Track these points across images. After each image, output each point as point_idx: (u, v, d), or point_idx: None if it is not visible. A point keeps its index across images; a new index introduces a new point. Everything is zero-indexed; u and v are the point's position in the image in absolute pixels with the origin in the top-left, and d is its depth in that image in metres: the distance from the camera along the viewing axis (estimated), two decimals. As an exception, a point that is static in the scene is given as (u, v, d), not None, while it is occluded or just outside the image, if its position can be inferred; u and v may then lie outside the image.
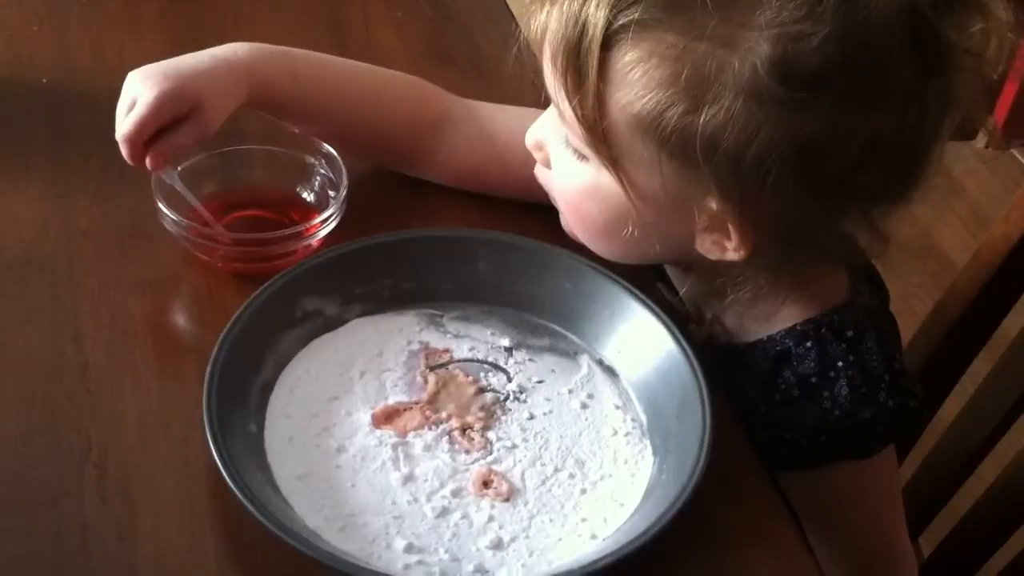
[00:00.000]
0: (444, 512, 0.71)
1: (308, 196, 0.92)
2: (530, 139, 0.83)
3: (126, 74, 0.84)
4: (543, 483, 0.74)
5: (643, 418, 0.78)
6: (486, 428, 0.77)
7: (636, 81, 0.70)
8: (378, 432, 0.75)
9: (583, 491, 0.74)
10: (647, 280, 0.87)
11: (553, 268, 0.84)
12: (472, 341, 0.82)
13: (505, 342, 0.82)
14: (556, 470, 0.75)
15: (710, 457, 0.71)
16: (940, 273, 1.95)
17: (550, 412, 0.78)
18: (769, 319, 0.83)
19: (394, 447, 0.75)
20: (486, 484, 0.73)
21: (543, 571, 0.69)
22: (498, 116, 0.95)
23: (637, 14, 0.69)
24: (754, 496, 0.78)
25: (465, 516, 0.71)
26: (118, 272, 0.87)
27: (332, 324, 0.82)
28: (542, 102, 0.80)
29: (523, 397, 0.79)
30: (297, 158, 0.92)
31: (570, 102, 0.73)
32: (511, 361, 0.81)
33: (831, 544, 0.84)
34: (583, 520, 0.72)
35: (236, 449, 0.70)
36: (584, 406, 0.79)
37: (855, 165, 0.71)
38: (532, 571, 0.69)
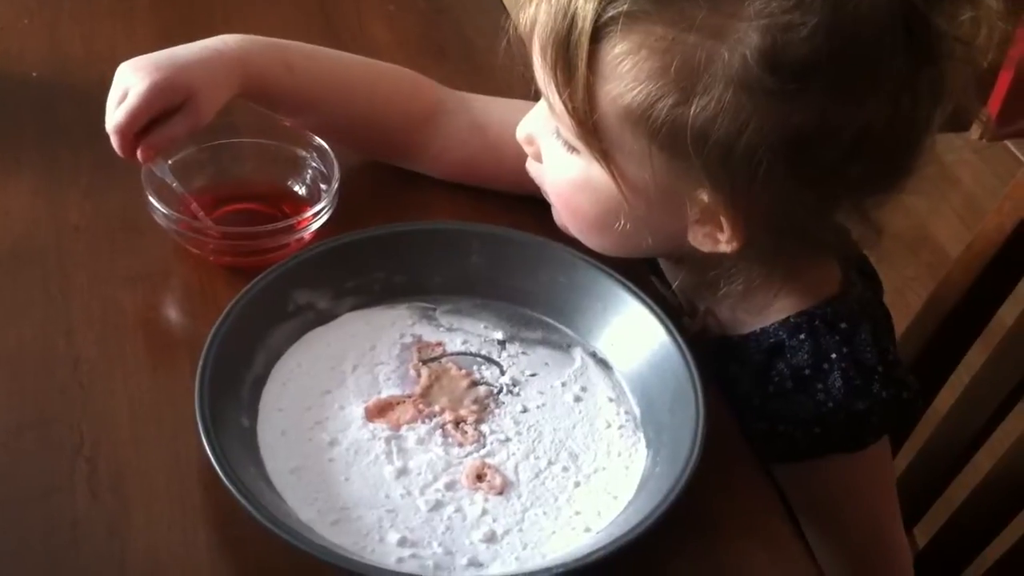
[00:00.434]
0: (437, 505, 0.71)
1: (300, 189, 0.92)
2: (521, 133, 0.83)
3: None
4: (536, 476, 0.74)
5: (636, 411, 0.78)
6: (479, 421, 0.77)
7: (626, 73, 0.70)
8: (371, 425, 0.75)
9: (577, 484, 0.74)
10: (641, 273, 0.87)
11: (546, 261, 0.84)
12: (465, 334, 0.82)
13: (498, 335, 0.82)
14: (550, 463, 0.75)
15: (703, 450, 0.71)
16: (935, 265, 1.95)
17: (543, 405, 0.78)
18: (762, 311, 0.83)
19: (387, 440, 0.74)
20: (479, 477, 0.73)
21: (537, 564, 0.68)
22: (491, 108, 0.95)
23: (626, 6, 0.68)
24: (748, 488, 0.78)
25: (458, 509, 0.71)
26: (109, 266, 0.87)
27: (324, 318, 0.81)
28: (532, 95, 0.79)
29: (516, 390, 0.79)
30: (289, 151, 0.92)
31: (560, 95, 0.73)
32: (504, 354, 0.81)
33: (825, 536, 0.84)
34: (577, 513, 0.72)
35: (228, 443, 0.70)
36: (577, 399, 0.79)
37: (847, 155, 0.71)
38: (525, 564, 0.69)
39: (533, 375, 0.80)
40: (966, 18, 0.71)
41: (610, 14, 0.69)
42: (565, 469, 0.74)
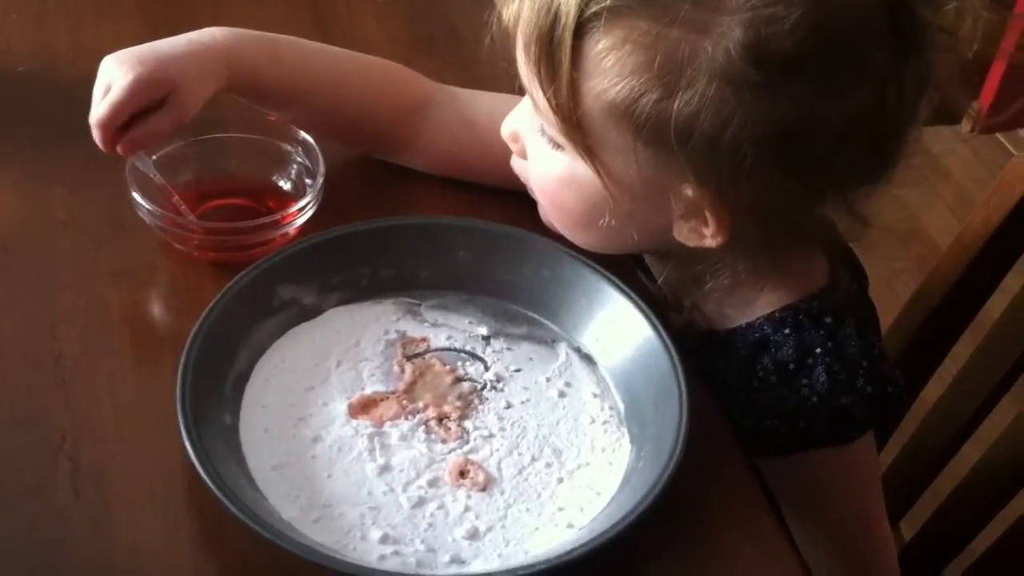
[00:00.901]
0: (420, 502, 0.71)
1: (285, 184, 0.91)
2: (505, 130, 0.83)
3: (104, 63, 0.84)
4: (520, 472, 0.74)
5: (621, 406, 0.78)
6: (463, 417, 0.76)
7: (609, 69, 0.70)
8: (354, 422, 0.75)
9: (560, 480, 0.74)
10: (627, 268, 0.86)
11: (531, 256, 0.83)
12: (450, 330, 0.82)
13: (483, 331, 0.82)
14: (533, 459, 0.75)
15: (688, 444, 0.71)
16: (925, 257, 1.95)
17: (527, 401, 0.78)
18: (748, 306, 0.83)
19: (370, 437, 0.74)
20: (462, 474, 0.73)
21: (519, 561, 0.68)
22: (479, 102, 0.95)
23: (609, 1, 0.68)
24: (733, 483, 0.78)
25: (441, 506, 0.71)
26: (95, 262, 0.86)
27: (309, 313, 0.81)
28: (517, 89, 0.79)
29: (500, 386, 0.79)
30: (274, 146, 0.91)
31: (544, 91, 0.73)
32: (489, 350, 0.81)
33: (811, 530, 0.84)
34: (560, 509, 0.72)
35: (210, 440, 0.70)
36: (562, 394, 0.79)
37: (832, 147, 0.71)
38: (508, 561, 0.69)
39: (517, 371, 0.80)
40: (951, 8, 0.71)
41: (593, 9, 0.69)
42: (548, 465, 0.74)
